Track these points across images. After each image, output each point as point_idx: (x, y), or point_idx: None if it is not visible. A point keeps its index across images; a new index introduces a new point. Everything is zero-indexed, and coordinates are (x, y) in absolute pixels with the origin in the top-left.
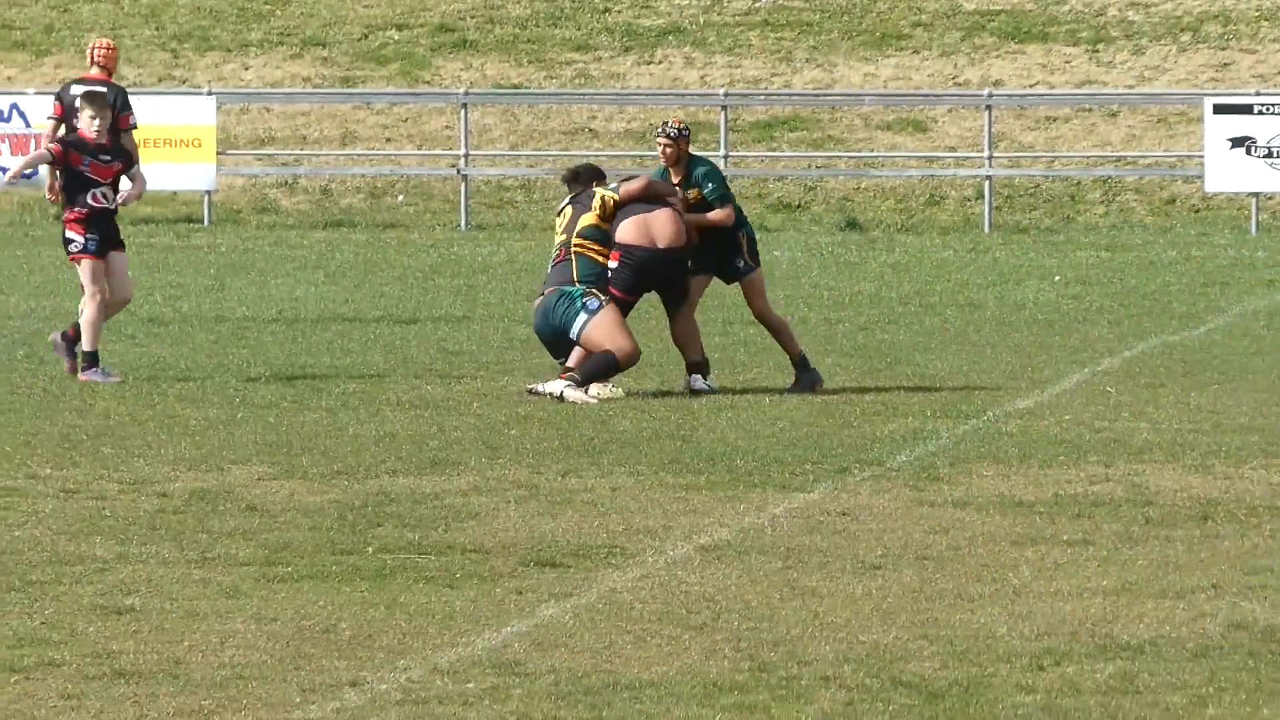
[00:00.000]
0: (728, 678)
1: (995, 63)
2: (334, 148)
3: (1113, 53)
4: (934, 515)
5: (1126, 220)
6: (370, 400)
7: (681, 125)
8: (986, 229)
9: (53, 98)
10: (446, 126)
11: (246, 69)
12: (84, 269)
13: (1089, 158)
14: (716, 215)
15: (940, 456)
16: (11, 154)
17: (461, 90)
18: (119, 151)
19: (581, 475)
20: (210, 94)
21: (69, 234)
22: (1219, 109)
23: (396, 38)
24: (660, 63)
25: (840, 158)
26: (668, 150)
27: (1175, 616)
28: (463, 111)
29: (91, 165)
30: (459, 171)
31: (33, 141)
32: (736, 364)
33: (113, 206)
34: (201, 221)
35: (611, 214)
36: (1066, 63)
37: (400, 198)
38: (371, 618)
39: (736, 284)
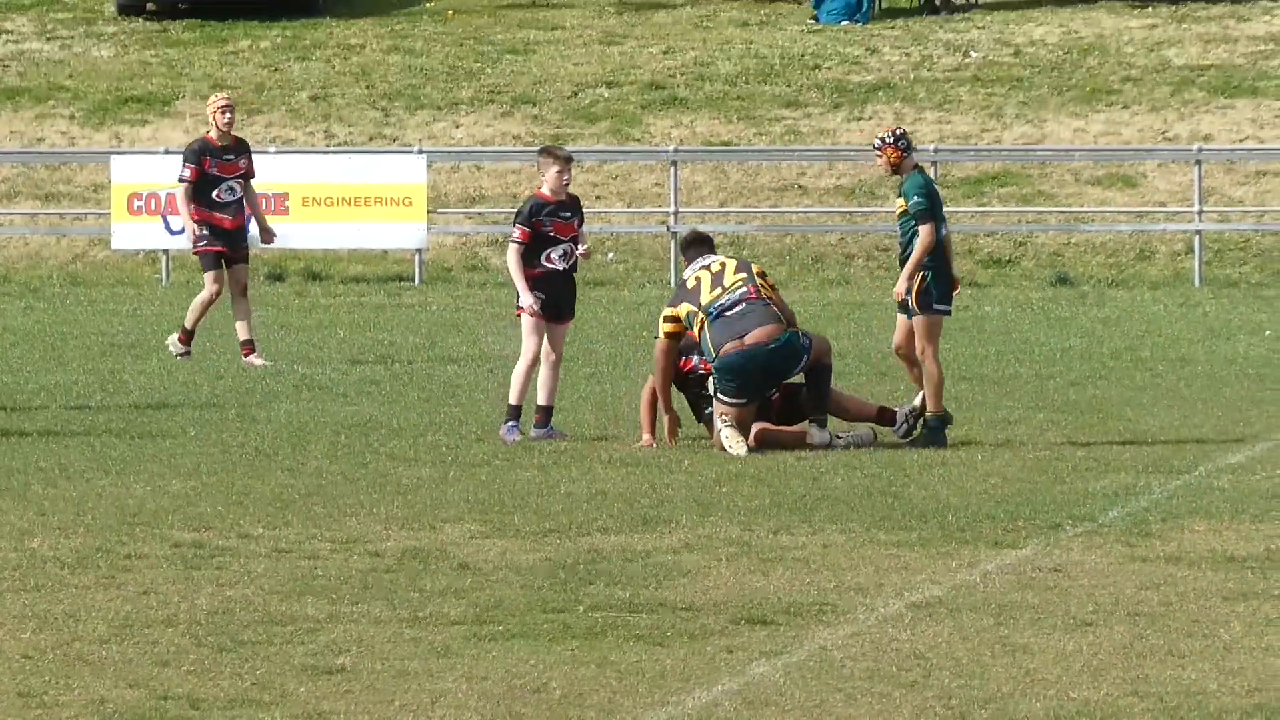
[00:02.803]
0: None
1: (1205, 118)
2: None
3: None
4: (1145, 571)
5: None
6: (582, 458)
7: (890, 132)
8: (1197, 283)
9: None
10: (656, 184)
11: (457, 127)
12: (525, 324)
13: None
14: (920, 239)
15: (1152, 512)
16: None
17: (671, 147)
18: (578, 207)
19: (793, 532)
20: (421, 152)
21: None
22: None
23: (606, 95)
24: (870, 118)
25: (1050, 213)
26: (878, 160)
27: None
28: (672, 168)
29: (554, 224)
30: (669, 228)
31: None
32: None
33: (564, 267)
34: (412, 280)
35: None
36: (1276, 117)
37: (610, 255)
38: (582, 676)
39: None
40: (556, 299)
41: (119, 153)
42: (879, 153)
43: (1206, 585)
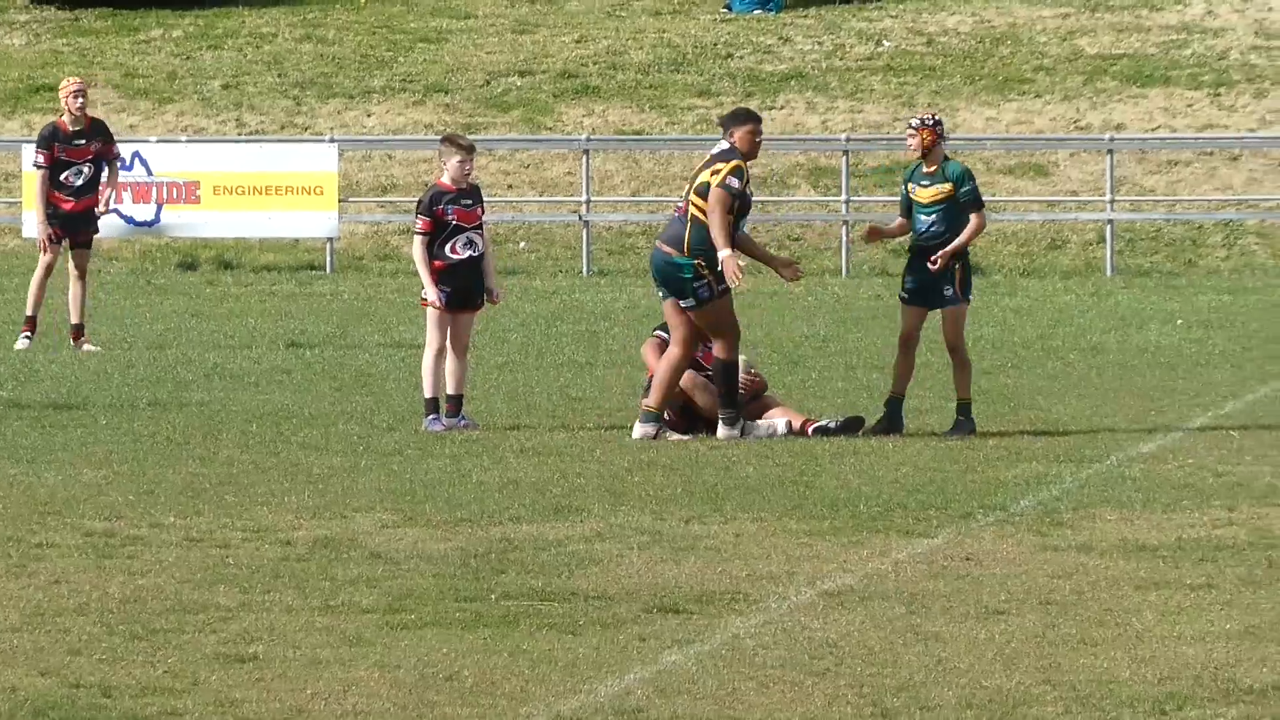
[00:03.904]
0: None
1: (1117, 107)
2: None
3: (1234, 96)
4: (1057, 560)
5: (1248, 263)
6: (494, 447)
7: (931, 115)
8: (1108, 273)
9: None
10: (568, 172)
11: (369, 116)
12: (429, 315)
13: (1210, 201)
14: (974, 224)
15: (1063, 501)
16: (134, 201)
17: (583, 136)
18: (480, 196)
19: (705, 521)
20: (332, 141)
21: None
22: None
23: (519, 84)
24: (782, 108)
25: None
26: (910, 141)
27: None
28: (584, 157)
29: (456, 212)
30: (580, 217)
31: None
32: (859, 409)
33: (468, 255)
34: (324, 269)
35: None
36: (1188, 106)
37: (522, 244)
38: (495, 665)
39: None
40: (464, 289)
41: (30, 141)
42: (914, 133)
43: (1118, 574)
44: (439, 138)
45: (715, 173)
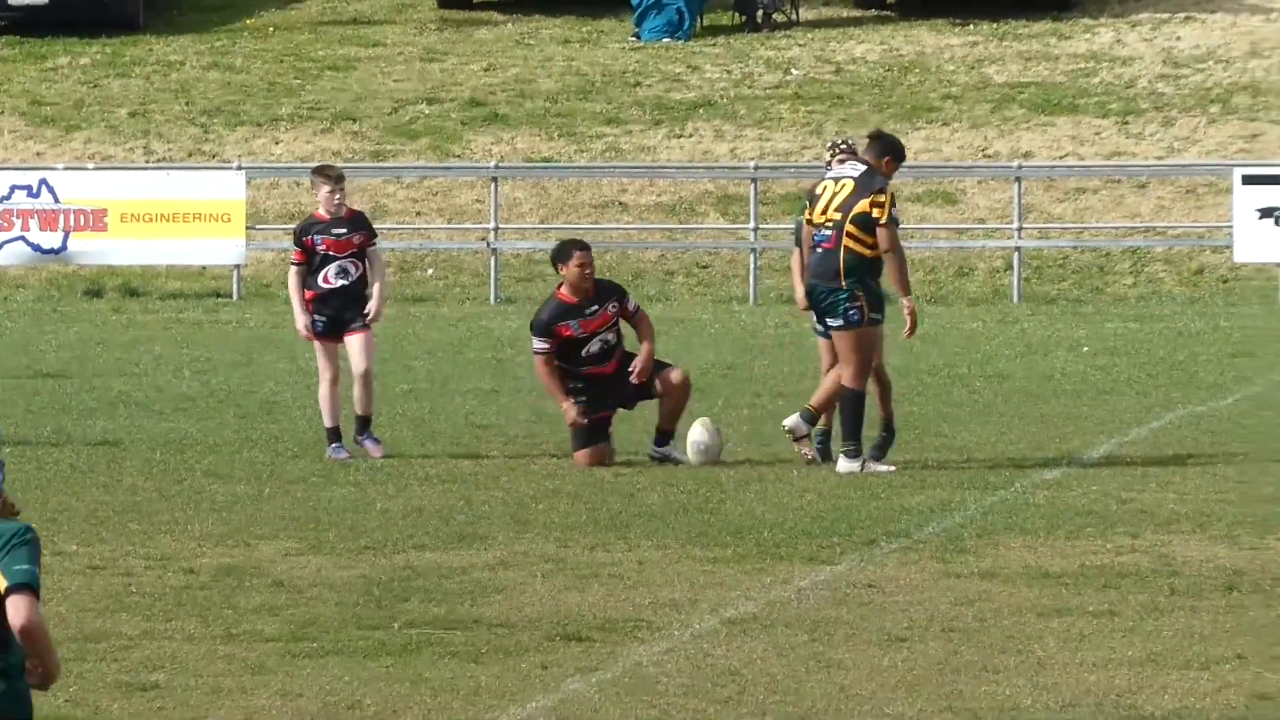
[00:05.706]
0: None
1: (1025, 135)
2: None
3: (1142, 124)
4: (960, 587)
5: (1155, 291)
6: (398, 475)
7: (850, 138)
8: (1015, 300)
9: None
10: (476, 200)
11: (276, 143)
12: (315, 346)
13: (1118, 229)
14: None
15: (967, 528)
16: (41, 229)
17: (491, 164)
18: (359, 224)
19: (609, 549)
20: (240, 168)
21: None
22: (1248, 180)
23: (427, 112)
24: (690, 136)
25: None
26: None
27: (1200, 687)
28: (493, 185)
29: (326, 241)
30: (489, 245)
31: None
32: (764, 436)
33: (340, 285)
34: (230, 296)
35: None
36: (1096, 134)
37: (430, 271)
38: (397, 693)
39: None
40: (336, 316)
41: None
42: (849, 155)
43: (1021, 601)
44: (348, 165)
45: (877, 205)
